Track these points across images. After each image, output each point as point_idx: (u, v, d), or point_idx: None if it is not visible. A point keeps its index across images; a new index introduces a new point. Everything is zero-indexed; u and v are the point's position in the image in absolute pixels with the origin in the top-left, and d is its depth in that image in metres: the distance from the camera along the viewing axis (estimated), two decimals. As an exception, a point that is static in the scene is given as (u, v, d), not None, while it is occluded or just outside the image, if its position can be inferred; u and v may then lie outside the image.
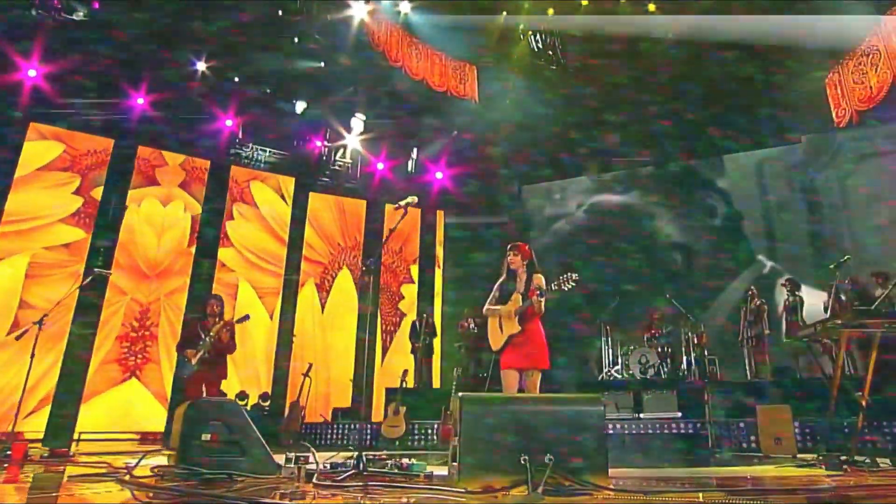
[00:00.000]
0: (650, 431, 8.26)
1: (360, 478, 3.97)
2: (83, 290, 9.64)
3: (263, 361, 12.88)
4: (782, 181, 12.25)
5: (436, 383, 12.04)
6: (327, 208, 14.58)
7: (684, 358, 10.04)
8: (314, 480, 3.91)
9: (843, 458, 4.70)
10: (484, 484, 3.46)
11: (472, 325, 11.20)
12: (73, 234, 11.74)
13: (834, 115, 10.55)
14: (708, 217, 13.22)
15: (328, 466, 4.46)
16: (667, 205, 13.78)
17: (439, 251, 15.10)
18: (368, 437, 9.35)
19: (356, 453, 4.26)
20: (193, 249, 12.93)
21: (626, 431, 8.35)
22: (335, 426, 10.03)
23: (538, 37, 11.51)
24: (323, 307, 14.02)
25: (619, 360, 10.36)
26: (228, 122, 13.12)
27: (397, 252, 14.92)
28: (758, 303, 9.93)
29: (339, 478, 3.89)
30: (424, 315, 11.04)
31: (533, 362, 5.42)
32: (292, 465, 4.29)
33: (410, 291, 14.94)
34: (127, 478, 4.03)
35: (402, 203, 4.97)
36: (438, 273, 15.00)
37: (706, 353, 10.03)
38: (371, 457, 4.66)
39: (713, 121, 12.33)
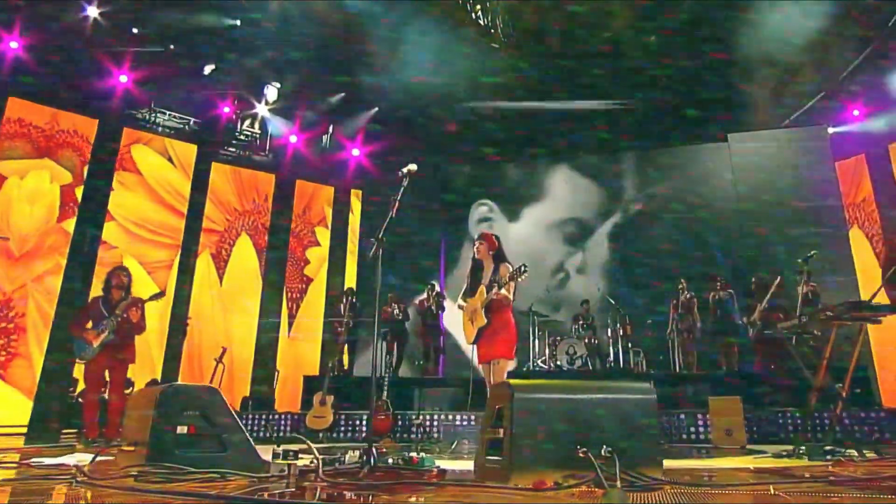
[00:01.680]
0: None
1: (373, 475, 3.45)
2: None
3: (155, 343, 11.65)
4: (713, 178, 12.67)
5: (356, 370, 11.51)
6: (227, 178, 13.39)
7: (611, 350, 10.09)
8: (322, 477, 3.34)
9: (828, 448, 4.69)
10: (535, 479, 3.07)
11: (396, 312, 10.68)
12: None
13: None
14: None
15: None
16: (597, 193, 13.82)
17: (353, 231, 14.32)
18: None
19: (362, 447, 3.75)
20: (67, 225, 11.24)
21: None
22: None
23: (482, 9, 11.02)
24: (221, 279, 12.90)
25: (547, 351, 10.24)
26: (123, 79, 11.70)
27: (300, 214, 13.99)
28: (688, 296, 10.16)
29: (358, 475, 3.35)
30: (350, 297, 10.34)
31: (495, 353, 5.36)
32: (281, 461, 3.71)
33: (316, 255, 14.06)
34: (82, 478, 3.25)
35: (404, 171, 4.55)
36: (352, 255, 14.24)
37: (630, 345, 10.15)
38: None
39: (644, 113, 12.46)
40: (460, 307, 5.77)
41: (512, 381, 3.34)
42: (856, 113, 11.44)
